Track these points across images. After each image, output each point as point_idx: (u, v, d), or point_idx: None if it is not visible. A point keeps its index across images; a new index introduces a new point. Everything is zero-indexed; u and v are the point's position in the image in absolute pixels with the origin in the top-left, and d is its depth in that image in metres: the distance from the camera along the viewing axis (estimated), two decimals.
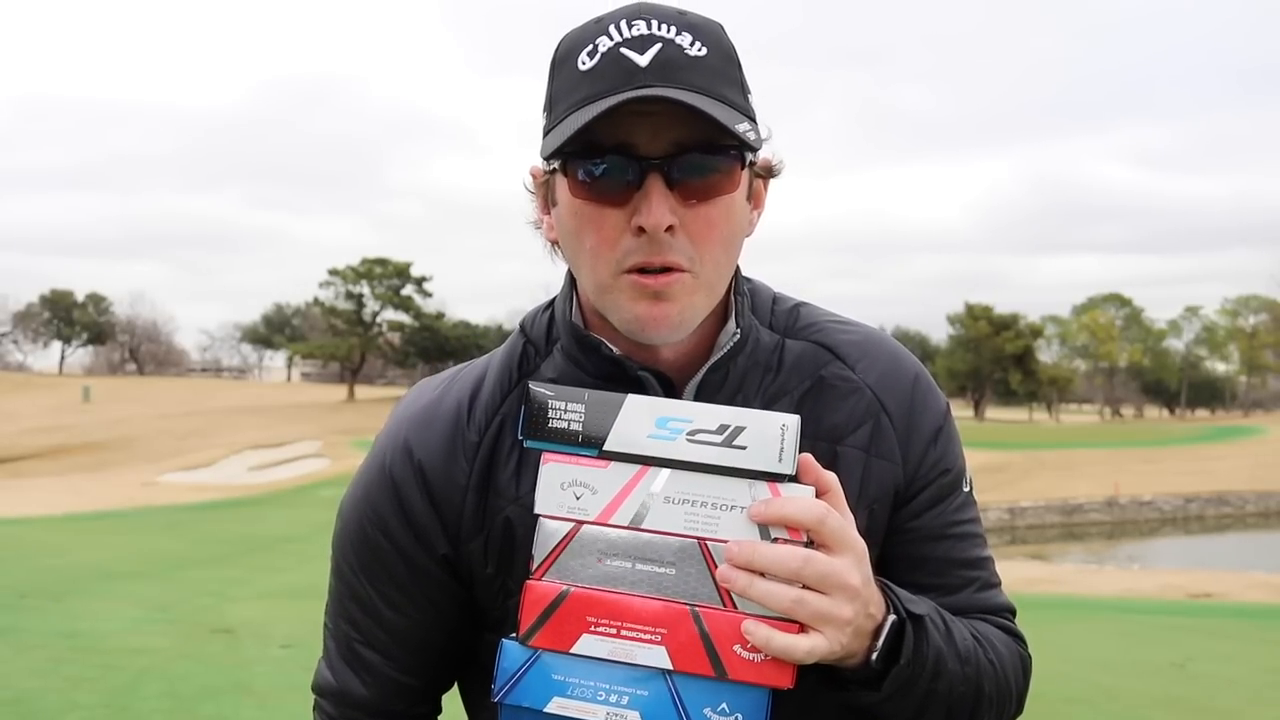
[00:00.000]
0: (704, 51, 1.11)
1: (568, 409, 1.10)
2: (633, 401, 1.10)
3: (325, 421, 48.05)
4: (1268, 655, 10.33)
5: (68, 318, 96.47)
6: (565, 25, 1.19)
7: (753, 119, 1.14)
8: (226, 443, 40.80)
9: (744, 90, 1.15)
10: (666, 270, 1.11)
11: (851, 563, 1.06)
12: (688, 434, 1.08)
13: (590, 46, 1.11)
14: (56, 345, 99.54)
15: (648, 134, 1.09)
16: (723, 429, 1.08)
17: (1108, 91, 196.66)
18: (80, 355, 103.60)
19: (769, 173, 1.22)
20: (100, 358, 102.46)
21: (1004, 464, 39.13)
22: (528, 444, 1.12)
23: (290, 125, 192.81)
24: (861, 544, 1.08)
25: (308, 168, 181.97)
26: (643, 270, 1.11)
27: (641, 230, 1.09)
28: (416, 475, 1.22)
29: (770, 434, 1.07)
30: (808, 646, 1.04)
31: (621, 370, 1.19)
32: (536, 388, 1.12)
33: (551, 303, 1.29)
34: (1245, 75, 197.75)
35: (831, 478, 1.10)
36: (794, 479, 1.08)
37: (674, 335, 1.15)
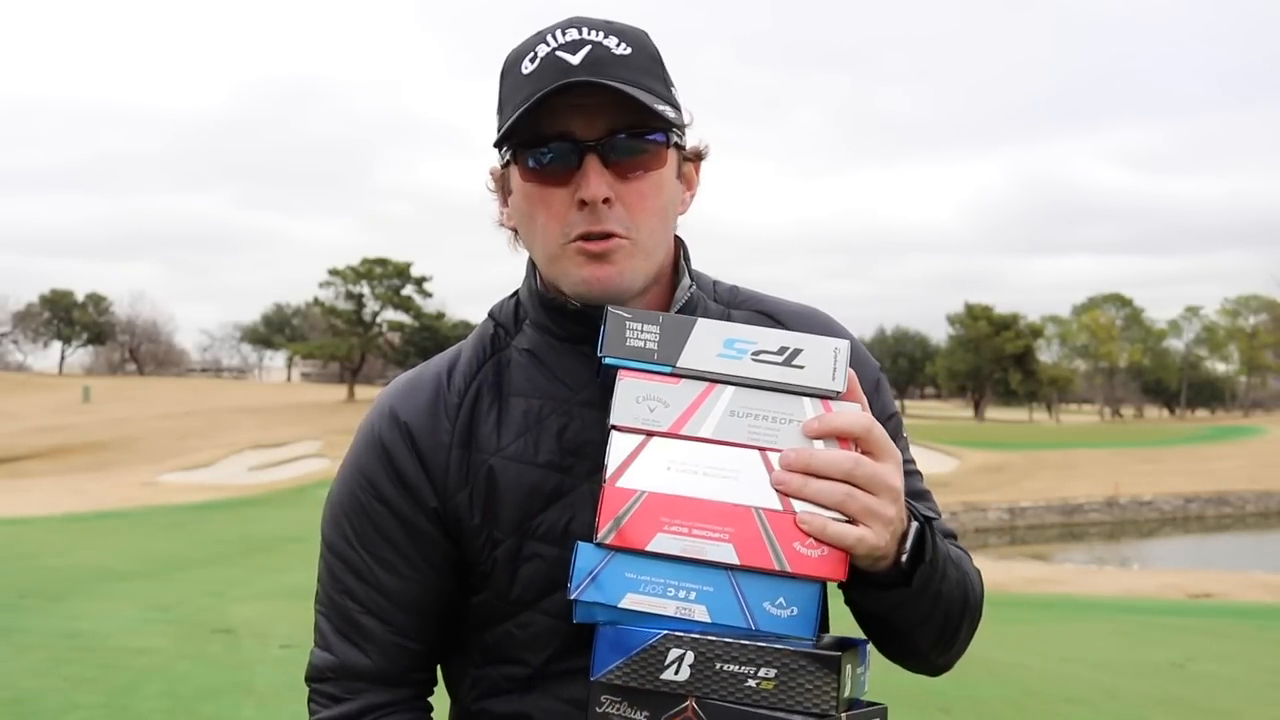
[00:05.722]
0: (629, 51, 1.26)
1: (644, 329, 1.20)
2: (703, 324, 1.20)
3: (325, 421, 48.04)
4: (1268, 655, 10.36)
5: (68, 318, 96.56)
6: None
7: (675, 106, 1.30)
8: (226, 443, 40.83)
9: (667, 84, 1.31)
10: (607, 237, 1.25)
11: (894, 467, 1.17)
12: (752, 354, 1.18)
13: (531, 54, 1.27)
14: (56, 345, 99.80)
15: (584, 122, 1.25)
16: (783, 350, 1.19)
17: (1101, 91, 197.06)
18: (80, 355, 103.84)
19: (698, 156, 1.37)
20: (100, 358, 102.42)
21: (1004, 464, 39.20)
22: (606, 361, 1.20)
23: (282, 126, 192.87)
24: (899, 453, 1.19)
25: (302, 169, 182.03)
26: (587, 238, 1.25)
27: (584, 204, 1.25)
28: (404, 436, 1.33)
29: (825, 355, 1.18)
30: (858, 534, 1.13)
31: (586, 327, 1.30)
32: (615, 310, 1.21)
33: (516, 292, 1.43)
34: (1240, 75, 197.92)
35: (864, 396, 1.21)
36: (842, 396, 1.19)
37: (618, 295, 1.28)
